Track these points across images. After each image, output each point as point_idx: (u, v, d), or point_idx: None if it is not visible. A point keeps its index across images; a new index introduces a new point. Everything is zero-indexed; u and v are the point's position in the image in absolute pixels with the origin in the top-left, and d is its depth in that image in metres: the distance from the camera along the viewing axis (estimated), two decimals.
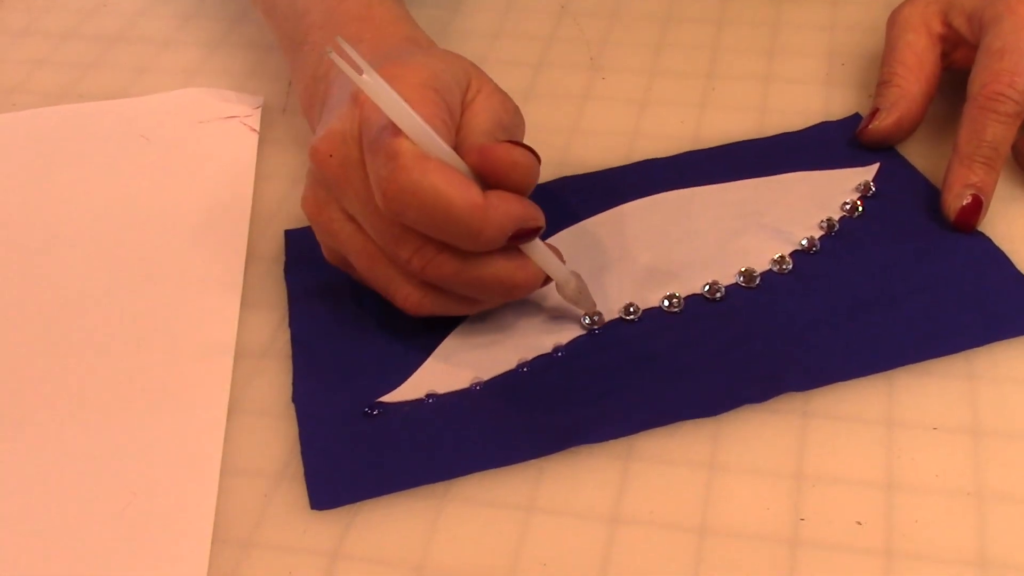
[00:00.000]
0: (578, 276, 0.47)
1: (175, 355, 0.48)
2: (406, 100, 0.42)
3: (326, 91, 0.50)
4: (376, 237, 0.45)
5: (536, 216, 0.44)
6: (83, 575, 0.41)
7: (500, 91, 0.48)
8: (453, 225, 0.42)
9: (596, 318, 0.48)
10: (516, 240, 0.43)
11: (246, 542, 0.41)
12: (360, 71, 0.41)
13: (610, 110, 0.60)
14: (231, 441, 0.45)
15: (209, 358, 0.48)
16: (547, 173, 0.56)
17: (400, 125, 0.42)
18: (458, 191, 0.41)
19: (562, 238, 0.52)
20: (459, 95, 0.46)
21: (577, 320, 0.48)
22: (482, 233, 0.42)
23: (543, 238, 0.45)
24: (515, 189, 0.43)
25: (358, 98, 0.44)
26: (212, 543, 0.41)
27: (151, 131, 0.60)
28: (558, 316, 0.48)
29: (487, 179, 0.43)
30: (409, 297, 0.45)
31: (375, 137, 0.43)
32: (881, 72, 0.56)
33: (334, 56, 0.41)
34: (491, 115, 0.46)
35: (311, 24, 0.54)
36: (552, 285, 0.47)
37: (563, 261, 0.47)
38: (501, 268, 0.44)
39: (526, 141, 0.44)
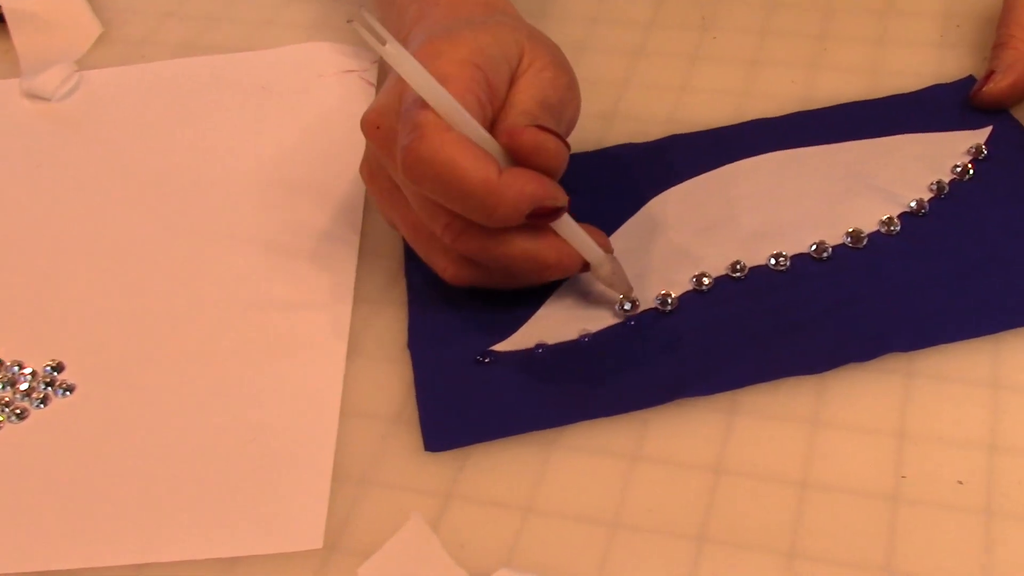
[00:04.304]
0: (614, 260, 0.47)
1: (297, 301, 0.50)
2: (446, 75, 0.42)
3: None
4: (415, 209, 0.46)
5: (555, 196, 0.44)
6: (215, 506, 0.43)
7: (553, 66, 0.47)
8: (466, 199, 0.42)
9: (631, 304, 0.47)
10: (535, 219, 0.44)
11: (364, 480, 0.44)
12: (383, 41, 0.42)
13: (720, 69, 0.60)
14: (350, 384, 0.47)
15: (329, 304, 0.50)
16: (656, 131, 0.57)
17: (425, 97, 0.42)
18: (473, 165, 0.42)
19: (670, 195, 0.53)
20: (506, 70, 0.46)
21: (687, 277, 0.49)
22: (496, 209, 0.43)
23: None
24: (542, 171, 0.44)
25: None
26: (332, 480, 0.43)
27: (272, 83, 0.62)
28: (667, 272, 0.49)
29: (516, 160, 0.44)
30: (447, 269, 0.47)
31: (405, 109, 0.44)
32: (997, 34, 0.56)
33: (356, 26, 0.41)
34: (535, 92, 0.46)
35: None
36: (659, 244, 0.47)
37: (607, 244, 0.47)
38: (527, 247, 0.45)
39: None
